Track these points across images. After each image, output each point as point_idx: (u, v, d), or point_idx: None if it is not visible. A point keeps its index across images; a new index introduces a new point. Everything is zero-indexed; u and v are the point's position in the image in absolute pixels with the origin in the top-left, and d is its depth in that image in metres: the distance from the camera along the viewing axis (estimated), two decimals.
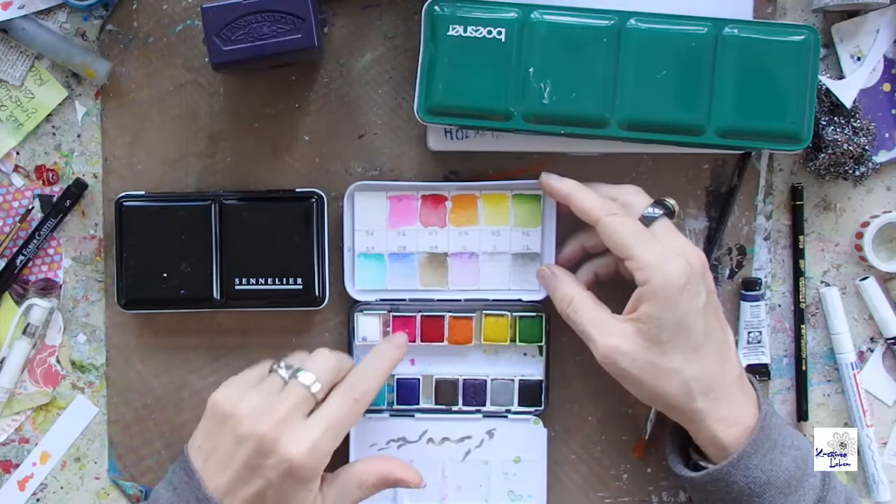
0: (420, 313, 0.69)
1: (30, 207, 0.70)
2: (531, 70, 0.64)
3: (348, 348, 0.69)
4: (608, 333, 0.62)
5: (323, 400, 0.61)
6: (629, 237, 0.61)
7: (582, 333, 0.64)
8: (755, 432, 0.61)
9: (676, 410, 0.63)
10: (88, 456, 0.72)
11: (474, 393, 0.70)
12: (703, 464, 0.64)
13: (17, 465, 0.71)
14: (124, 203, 0.68)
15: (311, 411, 0.61)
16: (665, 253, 0.60)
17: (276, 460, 0.58)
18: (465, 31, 0.64)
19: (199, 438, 0.62)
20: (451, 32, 0.64)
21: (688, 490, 0.69)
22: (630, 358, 0.61)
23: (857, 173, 0.69)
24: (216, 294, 0.67)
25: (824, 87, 0.68)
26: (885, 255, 0.71)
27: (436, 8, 0.64)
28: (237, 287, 0.67)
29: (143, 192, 0.69)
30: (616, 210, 0.63)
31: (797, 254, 0.71)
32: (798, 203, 0.71)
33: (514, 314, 0.69)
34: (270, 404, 0.60)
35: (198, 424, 0.63)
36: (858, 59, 0.70)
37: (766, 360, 0.71)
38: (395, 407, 0.70)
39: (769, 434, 0.61)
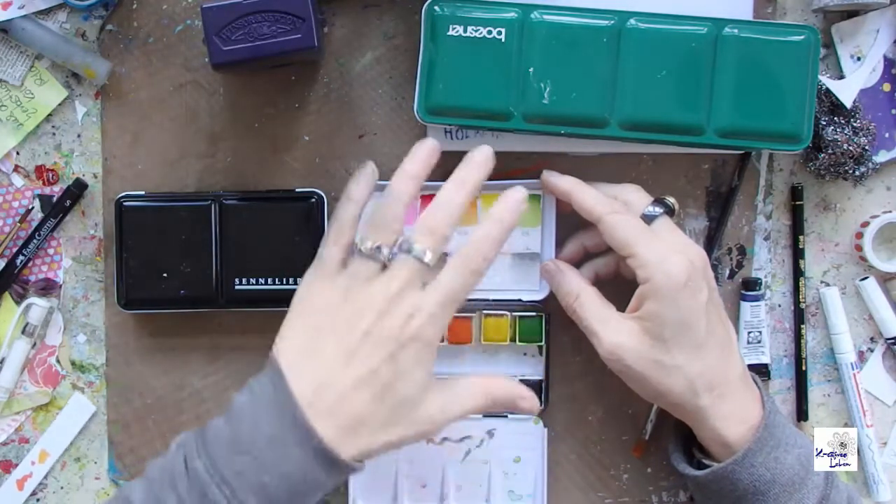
0: None
1: (30, 207, 0.70)
2: (531, 70, 0.64)
3: None
4: (613, 330, 0.62)
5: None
6: (631, 235, 0.61)
7: (586, 329, 0.64)
8: (760, 430, 0.61)
9: (680, 408, 0.63)
10: (88, 456, 0.72)
11: None
12: (706, 462, 0.64)
13: (16, 465, 0.71)
14: (124, 203, 0.68)
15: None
16: (666, 250, 0.61)
17: (397, 329, 0.55)
18: (465, 31, 0.64)
19: (295, 339, 0.58)
20: (451, 32, 0.64)
21: (691, 488, 0.69)
22: (634, 355, 0.61)
23: (857, 173, 0.69)
24: (216, 294, 0.67)
25: (824, 87, 0.68)
26: (885, 255, 0.71)
27: (436, 8, 0.64)
28: (237, 287, 0.67)
29: (143, 192, 0.69)
30: (618, 208, 0.63)
31: (797, 254, 0.71)
32: (798, 203, 0.71)
33: (514, 314, 0.69)
34: (377, 281, 0.57)
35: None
36: (858, 59, 0.70)
37: (766, 360, 0.71)
38: None
39: (773, 432, 0.61)
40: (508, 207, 0.59)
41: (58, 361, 0.71)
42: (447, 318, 0.58)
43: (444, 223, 0.58)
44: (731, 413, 0.62)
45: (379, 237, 0.58)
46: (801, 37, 0.64)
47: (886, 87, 0.70)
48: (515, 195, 0.60)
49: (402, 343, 0.56)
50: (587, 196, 0.64)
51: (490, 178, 0.69)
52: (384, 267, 0.58)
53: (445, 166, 0.70)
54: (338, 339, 0.57)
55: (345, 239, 0.60)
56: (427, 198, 0.69)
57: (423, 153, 0.61)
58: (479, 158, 0.60)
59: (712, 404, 0.61)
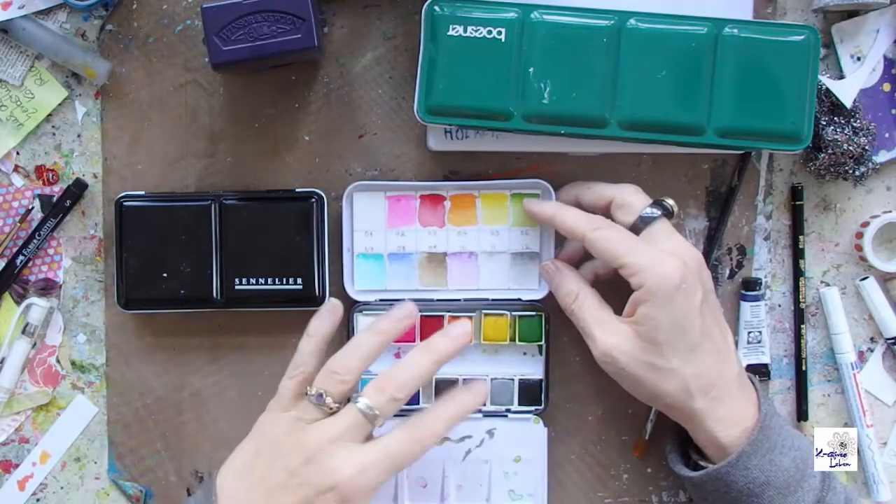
0: (419, 313, 0.69)
1: (30, 207, 0.70)
2: (531, 70, 0.64)
3: None
4: (608, 332, 0.62)
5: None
6: (618, 247, 0.61)
7: (583, 330, 0.64)
8: (754, 433, 0.61)
9: (675, 410, 0.63)
10: (88, 456, 0.72)
11: None
12: (702, 463, 0.64)
13: (17, 465, 0.71)
14: (124, 203, 0.68)
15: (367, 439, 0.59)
16: (658, 255, 0.61)
17: (319, 475, 0.57)
18: (465, 31, 0.64)
19: (236, 463, 0.60)
20: (451, 32, 0.64)
21: (687, 489, 0.69)
22: (627, 358, 0.61)
23: (857, 173, 0.69)
24: (216, 294, 0.67)
25: (824, 87, 0.68)
26: (885, 255, 0.71)
27: (436, 8, 0.64)
28: (237, 287, 0.67)
29: (143, 192, 0.69)
30: (600, 223, 0.63)
31: (797, 254, 0.71)
32: (798, 203, 0.71)
33: (514, 314, 0.69)
34: (318, 425, 0.59)
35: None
36: (858, 59, 0.70)
37: (766, 360, 0.71)
38: None
39: (769, 435, 0.61)
40: (472, 394, 0.62)
41: (58, 361, 0.71)
42: (381, 478, 0.58)
43: (400, 385, 0.60)
44: (726, 415, 0.62)
45: (326, 384, 0.60)
46: (801, 37, 0.64)
47: (886, 87, 0.70)
48: (479, 388, 0.63)
49: (321, 491, 0.57)
50: (568, 218, 0.64)
51: (490, 178, 0.69)
52: (333, 412, 0.60)
53: (446, 166, 0.70)
54: (267, 473, 0.58)
55: (300, 374, 0.61)
56: (427, 198, 0.69)
57: (400, 315, 0.63)
58: (455, 332, 0.63)
59: (707, 407, 0.61)
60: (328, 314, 0.63)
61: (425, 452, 0.59)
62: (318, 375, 0.61)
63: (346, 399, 0.60)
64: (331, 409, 0.59)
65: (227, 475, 0.60)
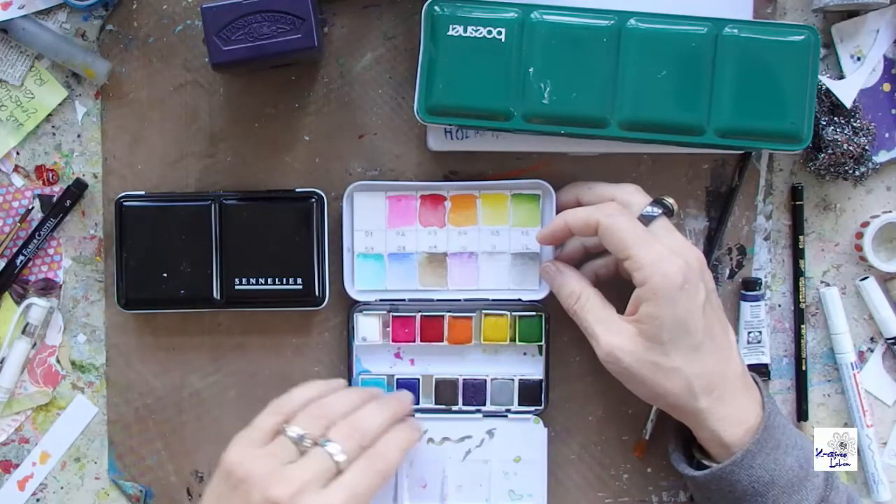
0: (420, 313, 0.69)
1: (30, 207, 0.70)
2: (531, 70, 0.64)
3: (348, 348, 0.69)
4: (612, 332, 0.62)
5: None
6: (628, 237, 0.61)
7: (586, 330, 0.64)
8: (759, 432, 0.61)
9: (679, 410, 0.63)
10: (88, 456, 0.72)
11: (474, 393, 0.70)
12: (706, 462, 0.64)
13: (17, 465, 0.71)
14: (124, 203, 0.68)
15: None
16: (663, 253, 0.60)
17: None
18: (465, 31, 0.64)
19: (209, 500, 0.59)
20: (451, 32, 0.64)
21: (690, 488, 0.69)
22: (631, 358, 0.61)
23: (857, 173, 0.69)
24: (216, 294, 0.67)
25: (824, 87, 0.68)
26: (885, 255, 0.71)
27: (436, 8, 0.64)
28: (237, 287, 0.67)
29: (143, 192, 0.69)
30: (613, 210, 0.63)
31: (797, 254, 0.71)
32: (798, 203, 0.71)
33: (514, 314, 0.69)
34: (288, 470, 0.57)
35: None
36: (858, 59, 0.70)
37: (766, 360, 0.71)
38: None
39: (773, 433, 0.61)
40: (417, 425, 0.66)
41: (58, 361, 0.71)
42: None
43: (367, 430, 0.60)
44: (730, 415, 0.62)
45: (310, 426, 0.59)
46: (801, 37, 0.64)
47: (886, 87, 0.70)
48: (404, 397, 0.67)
49: None
50: (579, 213, 0.63)
51: (490, 178, 0.69)
52: (304, 453, 0.59)
53: (446, 166, 0.70)
54: None
55: (285, 416, 0.61)
56: (427, 198, 0.69)
57: (400, 396, 0.67)
58: (404, 397, 0.67)
59: (711, 406, 0.61)
60: (330, 385, 0.65)
61: (390, 478, 0.61)
62: (301, 414, 0.60)
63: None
64: (305, 449, 0.59)
65: None
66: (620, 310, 0.63)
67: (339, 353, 0.70)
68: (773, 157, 0.71)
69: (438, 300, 0.69)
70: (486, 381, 0.69)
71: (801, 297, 0.71)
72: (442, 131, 0.68)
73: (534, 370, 0.70)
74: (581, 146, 0.67)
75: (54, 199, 0.70)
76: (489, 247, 0.69)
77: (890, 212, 0.70)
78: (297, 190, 0.68)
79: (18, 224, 0.70)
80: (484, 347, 0.70)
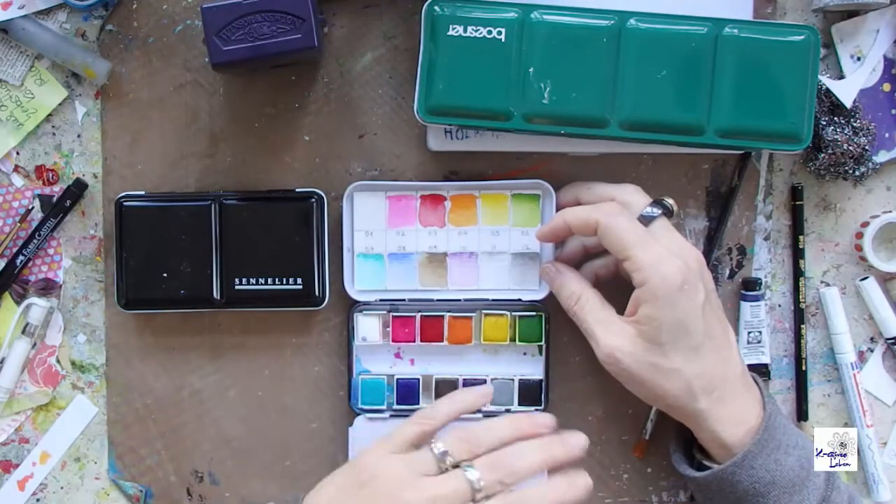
0: (420, 313, 0.69)
1: (30, 207, 0.70)
2: (531, 70, 0.64)
3: (348, 348, 0.69)
4: (611, 333, 0.62)
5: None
6: (628, 238, 0.61)
7: (585, 331, 0.64)
8: (759, 433, 0.61)
9: (679, 410, 0.63)
10: (88, 456, 0.72)
11: None
12: (707, 463, 0.64)
13: (17, 465, 0.71)
14: (124, 203, 0.68)
15: None
16: (662, 254, 0.60)
17: None
18: (465, 31, 0.64)
19: (328, 490, 0.58)
20: (451, 32, 0.64)
21: (691, 489, 0.69)
22: (630, 359, 0.61)
23: (857, 173, 0.69)
24: (216, 294, 0.67)
25: (824, 87, 0.68)
26: (885, 255, 0.71)
27: (436, 8, 0.64)
28: (237, 287, 0.67)
29: (143, 192, 0.69)
30: (612, 210, 0.62)
31: (797, 254, 0.71)
32: (798, 203, 0.71)
33: (514, 314, 0.69)
34: (424, 480, 0.57)
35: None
36: (858, 59, 0.70)
37: (766, 360, 0.71)
38: (396, 407, 0.69)
39: (774, 434, 0.61)
40: (575, 484, 0.60)
41: (58, 361, 0.71)
42: None
43: (514, 468, 0.58)
44: (730, 415, 0.62)
45: (454, 447, 0.58)
46: (801, 37, 0.64)
47: (886, 87, 0.70)
48: (581, 480, 0.60)
49: None
50: (578, 212, 0.63)
51: (490, 178, 0.69)
52: (443, 471, 0.58)
53: (446, 166, 0.70)
54: None
55: (425, 426, 0.60)
56: (427, 198, 0.69)
57: (566, 446, 0.61)
58: (574, 441, 0.61)
59: (711, 407, 0.61)
60: (481, 395, 0.64)
61: None
62: (447, 436, 0.59)
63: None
64: (445, 468, 0.58)
65: (319, 501, 0.58)
66: (620, 310, 0.63)
67: (339, 353, 0.70)
68: (773, 157, 0.71)
69: (438, 300, 0.69)
70: (486, 381, 0.69)
71: (801, 297, 0.71)
72: (442, 131, 0.68)
73: (534, 370, 0.70)
74: (581, 146, 0.67)
75: (54, 199, 0.70)
76: (489, 247, 0.69)
77: (890, 212, 0.70)
78: (297, 190, 0.68)
79: (18, 224, 0.70)
80: (484, 347, 0.70)
